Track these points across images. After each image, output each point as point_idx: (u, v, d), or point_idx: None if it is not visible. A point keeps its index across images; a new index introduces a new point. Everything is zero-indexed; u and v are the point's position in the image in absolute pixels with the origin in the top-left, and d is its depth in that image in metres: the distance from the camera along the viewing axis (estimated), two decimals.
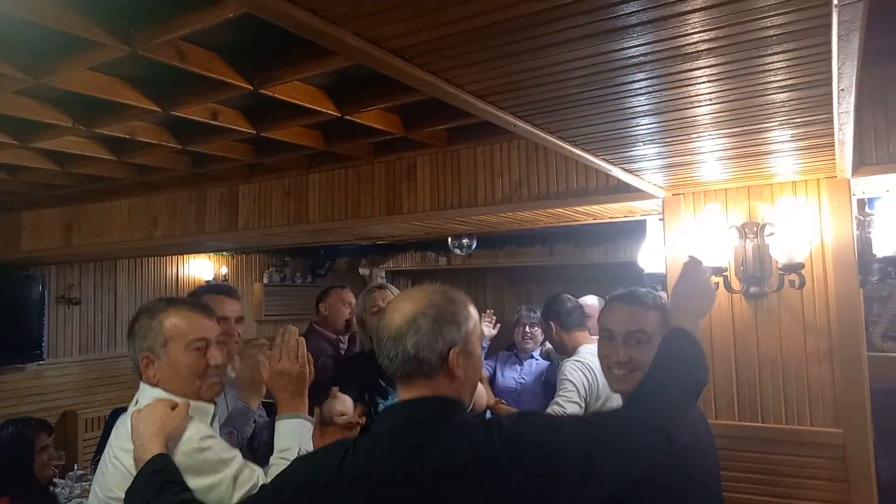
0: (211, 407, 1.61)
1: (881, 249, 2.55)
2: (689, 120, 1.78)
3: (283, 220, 3.83)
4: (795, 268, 2.39)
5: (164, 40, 1.96)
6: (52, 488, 3.02)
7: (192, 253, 6.83)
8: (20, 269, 5.79)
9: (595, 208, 3.11)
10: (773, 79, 1.47)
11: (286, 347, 1.70)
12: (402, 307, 1.24)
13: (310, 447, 1.65)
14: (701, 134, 1.91)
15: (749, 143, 2.01)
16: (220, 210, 4.07)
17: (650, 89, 1.53)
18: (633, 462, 1.25)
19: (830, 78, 1.42)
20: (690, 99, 1.61)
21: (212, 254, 7.35)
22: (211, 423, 1.60)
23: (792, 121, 1.76)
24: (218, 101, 2.61)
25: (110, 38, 1.92)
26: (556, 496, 1.14)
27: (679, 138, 1.96)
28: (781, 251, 2.42)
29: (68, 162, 3.50)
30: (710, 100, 1.61)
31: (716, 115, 1.73)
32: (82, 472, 3.66)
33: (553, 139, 1.82)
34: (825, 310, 2.46)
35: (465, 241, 6.25)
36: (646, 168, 2.35)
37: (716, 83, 1.50)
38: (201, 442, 1.44)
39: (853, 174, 2.43)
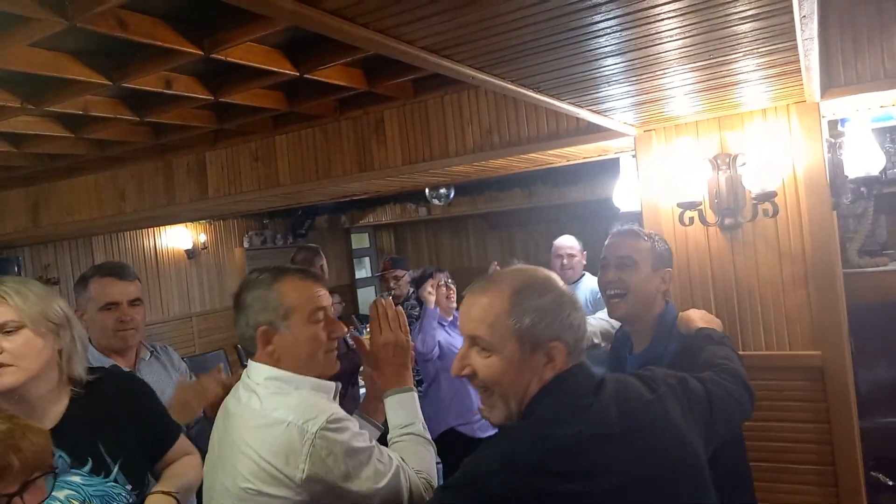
0: (333, 385, 1.47)
1: (853, 170, 2.55)
2: (653, 58, 1.74)
3: (254, 184, 3.76)
4: (768, 196, 2.39)
5: (103, 10, 1.86)
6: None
7: (167, 224, 6.72)
8: None
9: (567, 150, 3.08)
10: (734, 10, 1.43)
11: (385, 320, 1.60)
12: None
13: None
14: (667, 70, 1.87)
15: (716, 75, 1.98)
16: (189, 179, 3.99)
17: (610, 30, 1.48)
18: (738, 405, 1.47)
19: (791, 6, 1.38)
20: (653, 37, 1.56)
21: (189, 222, 7.25)
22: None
23: (756, 50, 1.73)
24: (170, 69, 2.50)
25: (44, 11, 1.81)
26: None
27: (645, 76, 1.91)
28: (754, 180, 2.41)
29: (24, 142, 3.39)
30: (673, 36, 1.57)
31: (680, 50, 1.69)
32: None
33: (515, 87, 1.78)
34: (799, 236, 2.47)
35: (442, 191, 6.20)
36: (614, 108, 2.31)
37: (677, 19, 1.45)
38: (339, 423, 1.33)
39: (822, 97, 2.41)
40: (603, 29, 1.46)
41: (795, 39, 1.60)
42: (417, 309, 4.26)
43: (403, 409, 1.55)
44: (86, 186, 4.44)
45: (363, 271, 10.43)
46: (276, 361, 1.41)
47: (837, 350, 2.44)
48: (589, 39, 1.53)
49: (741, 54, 1.74)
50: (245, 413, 1.37)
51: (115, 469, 1.52)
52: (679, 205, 2.54)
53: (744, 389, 1.53)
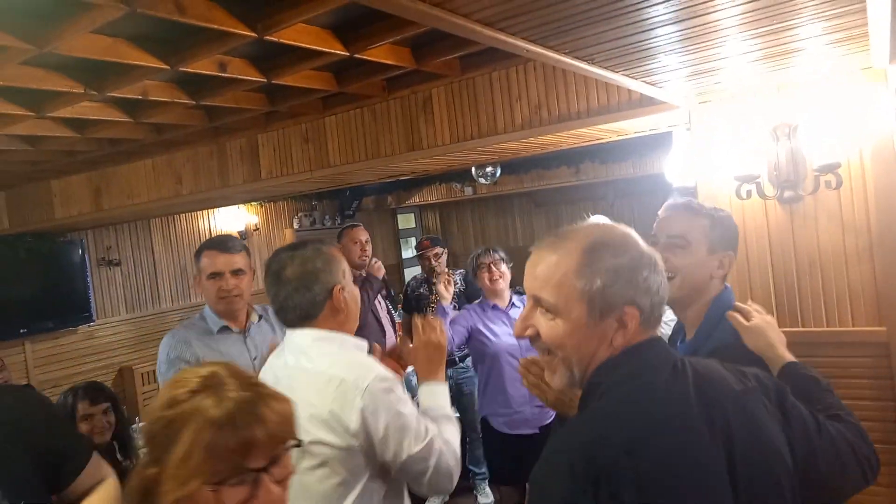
0: (365, 342, 1.66)
1: None
2: (711, 25, 1.69)
3: (305, 166, 3.82)
4: (831, 167, 2.31)
5: None
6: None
7: (220, 206, 6.90)
8: (58, 236, 5.94)
9: (619, 125, 3.02)
10: None
11: (427, 324, 1.76)
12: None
13: None
14: (726, 38, 1.82)
15: (778, 42, 1.91)
16: (242, 162, 4.07)
17: None
18: (855, 462, 1.23)
19: None
20: (713, 2, 1.52)
21: (241, 204, 7.42)
22: None
23: (823, 14, 1.66)
24: (224, 52, 2.55)
25: None
26: None
27: (702, 45, 1.86)
28: (816, 151, 2.33)
29: (87, 127, 3.50)
30: (734, 1, 1.52)
31: (741, 16, 1.64)
32: (143, 424, 3.83)
33: (569, 60, 1.75)
34: (864, 208, 2.38)
35: (489, 169, 6.17)
36: (669, 79, 2.26)
37: None
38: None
39: (890, 62, 2.30)
40: None
41: (864, 1, 1.53)
42: (458, 286, 4.33)
43: (437, 395, 1.69)
44: (144, 170, 4.58)
45: (409, 251, 10.50)
46: (342, 320, 1.58)
47: None
48: (645, 7, 1.50)
49: (806, 18, 1.68)
50: (297, 374, 1.51)
51: None
52: (736, 178, 2.47)
53: (870, 454, 1.25)
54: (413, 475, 1.51)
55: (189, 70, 2.55)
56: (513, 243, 9.65)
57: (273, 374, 1.57)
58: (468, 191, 8.37)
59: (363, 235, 4.05)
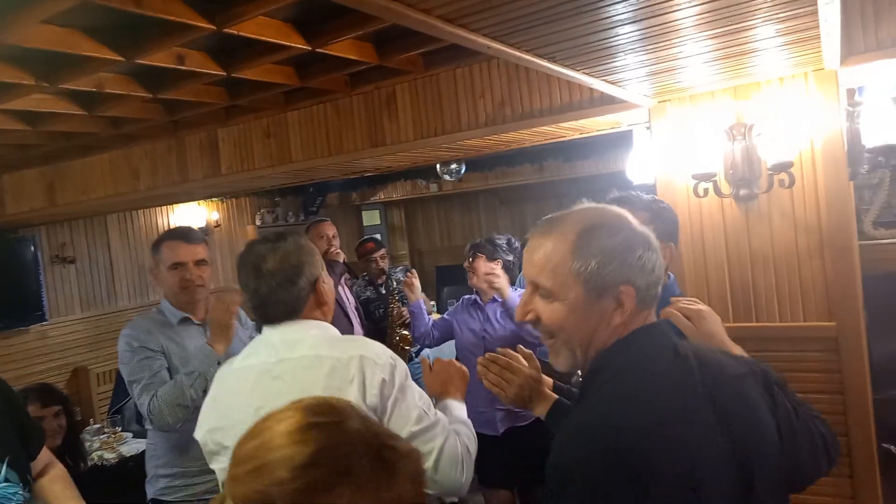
0: None
1: (871, 140, 2.52)
2: (670, 25, 1.71)
3: (266, 161, 3.77)
4: (784, 167, 2.37)
5: None
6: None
7: (180, 202, 6.76)
8: (9, 232, 5.74)
9: (581, 123, 3.05)
10: None
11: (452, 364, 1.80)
12: None
13: None
14: (684, 38, 1.85)
15: (734, 42, 1.95)
16: (201, 157, 4.00)
17: None
18: (823, 450, 1.24)
19: None
20: (670, 3, 1.54)
21: (202, 200, 7.28)
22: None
23: (776, 16, 1.70)
24: (182, 45, 2.50)
25: None
26: None
27: (661, 45, 1.89)
28: (770, 151, 2.40)
29: (40, 120, 3.40)
30: (691, 2, 1.55)
31: (698, 17, 1.67)
32: (99, 425, 3.75)
33: (531, 57, 1.76)
34: (815, 206, 2.46)
35: (453, 166, 6.18)
36: (630, 78, 2.29)
37: None
38: None
39: (841, 64, 2.37)
40: None
41: (816, 4, 1.58)
42: (400, 283, 4.27)
43: (454, 409, 1.69)
44: (100, 165, 4.46)
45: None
46: (324, 311, 1.57)
47: (852, 321, 2.44)
48: (605, 6, 1.52)
49: (760, 20, 1.72)
50: (303, 363, 1.47)
51: (4, 468, 1.53)
52: (694, 176, 2.53)
53: (833, 441, 1.27)
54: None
55: (146, 62, 2.50)
56: (477, 240, 9.69)
57: (259, 373, 1.50)
58: (433, 187, 8.37)
59: (330, 230, 4.04)
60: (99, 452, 3.39)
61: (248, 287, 1.54)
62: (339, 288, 3.92)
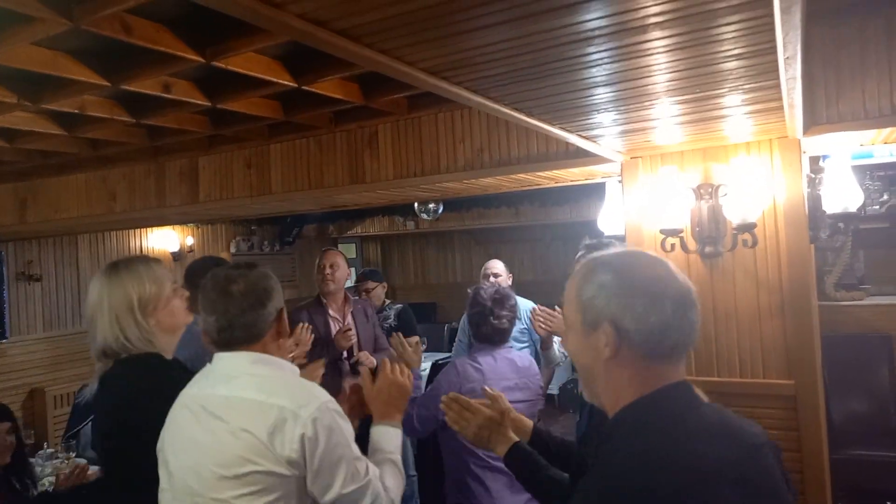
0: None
1: (831, 206, 2.63)
2: (642, 89, 1.80)
3: (246, 191, 3.79)
4: (748, 227, 2.46)
5: (108, 13, 1.90)
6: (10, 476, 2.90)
7: (155, 226, 6.70)
8: None
9: (556, 173, 3.14)
10: (721, 49, 1.50)
11: (400, 363, 1.76)
12: None
13: None
14: (655, 102, 1.94)
15: (702, 108, 2.05)
16: (181, 183, 4.00)
17: (602, 62, 1.54)
18: None
19: (775, 47, 1.45)
20: (643, 69, 1.63)
21: (177, 225, 7.23)
22: None
23: (741, 87, 1.80)
24: (170, 74, 2.54)
25: (50, 12, 1.84)
26: None
27: (634, 107, 1.98)
28: (735, 211, 2.49)
29: (17, 137, 3.38)
30: (662, 70, 1.63)
31: (668, 83, 1.76)
32: (52, 450, 3.64)
33: (509, 111, 1.83)
34: (777, 267, 2.54)
35: (431, 206, 6.25)
36: (603, 134, 2.38)
37: (667, 54, 1.52)
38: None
39: (804, 133, 2.49)
40: (595, 60, 1.53)
41: (779, 79, 1.67)
42: (389, 320, 4.32)
43: (389, 439, 1.66)
44: (76, 185, 4.44)
45: (349, 282, 10.43)
46: (280, 344, 1.55)
47: (810, 380, 2.50)
48: (582, 69, 1.59)
49: (727, 90, 1.82)
50: (233, 403, 1.44)
51: None
52: (662, 231, 2.60)
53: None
54: None
55: (131, 88, 2.52)
56: (451, 279, 9.73)
57: (198, 404, 1.49)
58: (410, 225, 8.42)
59: (327, 260, 3.78)
60: (50, 478, 3.29)
61: (215, 309, 1.51)
62: (334, 319, 3.78)
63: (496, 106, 1.77)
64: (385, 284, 4.68)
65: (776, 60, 1.54)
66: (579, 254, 1.96)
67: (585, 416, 1.68)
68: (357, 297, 4.34)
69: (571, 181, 3.54)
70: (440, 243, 9.77)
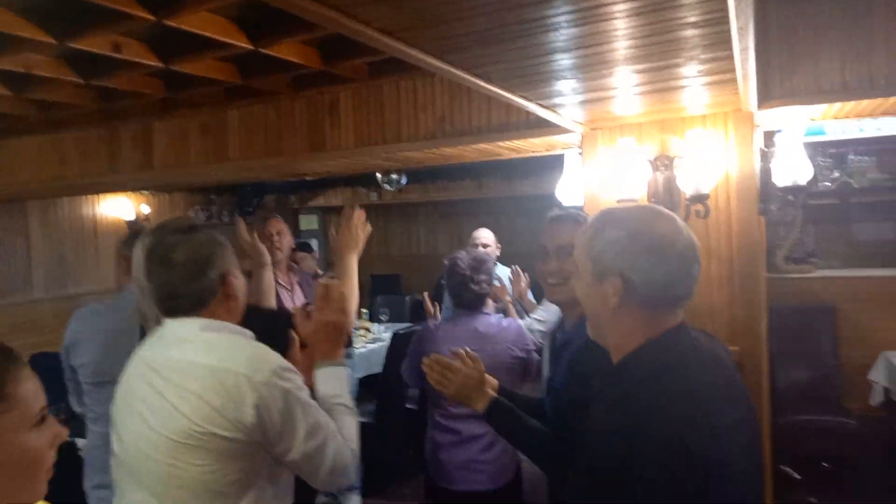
0: (250, 331, 1.59)
1: (781, 179, 2.70)
2: (601, 56, 1.81)
3: (202, 158, 3.70)
4: (701, 198, 2.51)
5: None
6: None
7: (109, 192, 6.52)
8: None
9: (517, 143, 3.15)
10: (676, 15, 1.51)
11: (331, 301, 1.67)
12: None
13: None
14: (613, 70, 1.95)
15: (660, 78, 2.07)
16: (134, 148, 3.89)
17: (560, 26, 1.54)
18: None
19: (728, 17, 1.47)
20: (601, 35, 1.63)
21: (131, 192, 7.05)
22: None
23: (697, 57, 1.82)
24: (120, 33, 2.46)
25: None
26: None
27: (592, 74, 1.99)
28: (689, 183, 2.53)
29: None
30: (619, 36, 1.64)
31: (626, 51, 1.77)
32: None
33: (466, 76, 1.82)
34: (727, 238, 2.61)
35: (394, 176, 6.22)
36: (563, 104, 2.39)
37: (624, 19, 1.52)
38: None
39: (759, 107, 2.54)
40: (553, 24, 1.52)
41: (732, 49, 1.70)
42: None
43: (335, 380, 1.61)
44: (26, 148, 4.27)
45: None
46: (232, 308, 1.51)
47: (754, 347, 2.59)
48: (540, 33, 1.59)
49: (683, 59, 1.84)
50: (185, 367, 1.41)
51: None
52: (619, 201, 2.64)
53: None
54: (306, 472, 1.47)
55: (80, 47, 2.44)
56: (415, 251, 9.73)
57: (149, 367, 1.49)
58: (373, 196, 8.37)
59: (273, 227, 3.77)
60: None
61: (154, 278, 1.47)
62: (282, 287, 3.78)
63: (453, 70, 1.76)
64: (316, 255, 4.65)
65: (729, 30, 1.57)
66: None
67: (563, 370, 1.73)
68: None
69: (533, 152, 3.55)
70: (404, 215, 9.73)
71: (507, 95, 2.14)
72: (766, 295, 2.70)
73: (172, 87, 3.22)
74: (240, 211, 8.60)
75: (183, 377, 1.40)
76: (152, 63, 2.68)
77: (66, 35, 2.35)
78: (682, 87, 2.19)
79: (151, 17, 2.16)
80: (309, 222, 10.38)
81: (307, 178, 6.61)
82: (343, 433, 1.52)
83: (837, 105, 2.58)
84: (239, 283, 1.56)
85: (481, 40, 1.60)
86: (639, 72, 1.99)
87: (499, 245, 4.28)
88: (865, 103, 2.55)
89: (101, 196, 6.78)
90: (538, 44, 1.67)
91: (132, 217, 7.20)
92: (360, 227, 2.19)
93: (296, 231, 10.09)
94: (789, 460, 3.97)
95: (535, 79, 1.98)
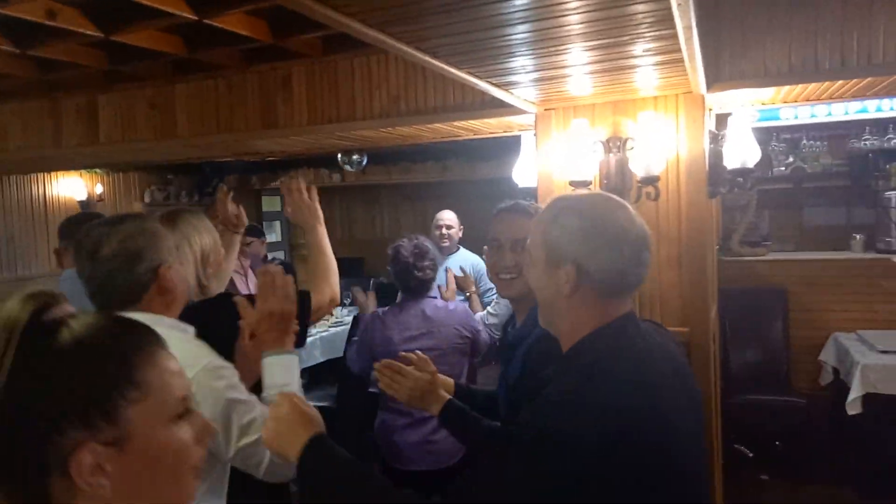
0: (190, 326, 1.54)
1: (730, 162, 2.72)
2: (551, 31, 1.77)
3: (150, 133, 3.59)
4: (652, 180, 2.52)
5: None
6: None
7: (57, 170, 6.30)
8: None
9: (472, 123, 3.12)
10: None
11: (272, 288, 1.59)
12: None
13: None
14: (564, 46, 1.92)
15: (609, 56, 2.05)
16: (78, 122, 3.75)
17: None
18: None
19: None
20: (548, 9, 1.60)
21: (84, 171, 6.82)
22: None
23: (643, 35, 1.80)
24: None
25: None
26: None
27: (543, 50, 1.96)
28: (640, 164, 2.54)
29: None
30: (568, 11, 1.61)
31: (575, 26, 1.74)
32: None
33: (411, 50, 1.78)
34: (677, 219, 2.62)
35: (355, 157, 6.13)
36: (515, 83, 2.36)
37: None
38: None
39: (708, 90, 2.55)
40: None
41: (675, 28, 1.69)
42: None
43: (282, 369, 1.56)
44: None
45: (273, 235, 10.17)
46: (169, 302, 1.47)
47: (703, 328, 2.62)
48: (483, 4, 1.55)
49: (629, 37, 1.82)
50: None
51: None
52: (571, 183, 2.63)
53: None
54: (247, 466, 1.43)
55: (10, 13, 2.32)
56: (379, 234, 9.64)
57: None
58: (336, 178, 8.26)
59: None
60: None
61: (83, 273, 1.44)
62: (237, 273, 3.72)
63: (397, 44, 1.72)
64: (264, 240, 4.57)
65: (670, 7, 1.55)
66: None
67: (518, 363, 1.69)
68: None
69: (490, 133, 3.52)
70: (367, 198, 9.63)
71: (457, 72, 2.10)
72: (715, 276, 2.74)
73: (116, 59, 3.10)
74: (199, 192, 8.42)
75: None
76: (90, 32, 2.57)
77: None
78: (633, 66, 2.17)
79: None
80: (272, 203, 10.21)
81: (269, 159, 6.49)
82: None
83: (786, 88, 2.60)
84: (176, 274, 1.49)
85: (426, 11, 1.55)
86: (588, 49, 1.97)
87: (461, 226, 4.27)
88: (812, 87, 2.58)
89: (53, 175, 6.55)
90: (483, 16, 1.63)
91: (84, 197, 6.99)
92: (310, 196, 2.18)
93: (258, 212, 9.93)
94: (742, 439, 4.06)
95: (483, 54, 1.94)
